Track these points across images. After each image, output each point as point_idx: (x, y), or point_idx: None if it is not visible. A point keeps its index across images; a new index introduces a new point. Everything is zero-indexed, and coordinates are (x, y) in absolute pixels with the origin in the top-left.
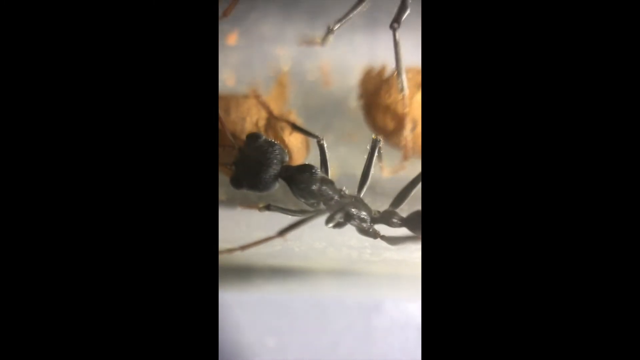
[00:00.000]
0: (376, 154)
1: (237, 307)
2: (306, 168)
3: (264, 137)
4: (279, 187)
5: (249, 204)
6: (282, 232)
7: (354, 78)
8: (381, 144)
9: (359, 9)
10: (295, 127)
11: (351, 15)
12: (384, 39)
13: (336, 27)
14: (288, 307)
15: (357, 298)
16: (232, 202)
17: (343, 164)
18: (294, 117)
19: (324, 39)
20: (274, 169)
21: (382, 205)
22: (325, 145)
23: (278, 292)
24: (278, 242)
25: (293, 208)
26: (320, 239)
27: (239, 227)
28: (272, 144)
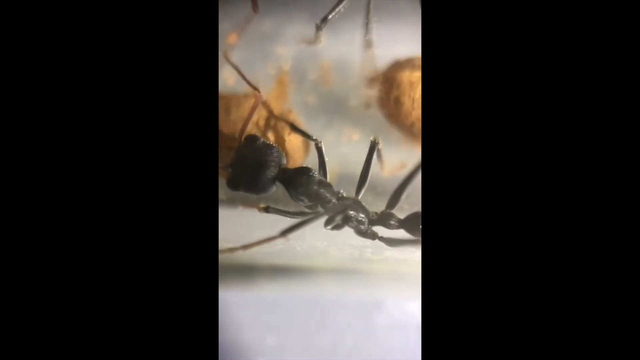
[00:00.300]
0: (375, 155)
1: (239, 305)
2: (304, 171)
3: (262, 140)
4: (279, 188)
5: (250, 204)
6: (285, 233)
7: (354, 77)
8: (380, 145)
9: (343, 4)
10: (294, 128)
11: (336, 12)
12: (386, 37)
13: (323, 24)
14: (289, 306)
15: (358, 297)
16: (233, 202)
17: (343, 162)
18: (294, 116)
19: (315, 38)
20: (272, 171)
21: (382, 205)
22: (323, 148)
23: (279, 291)
24: (280, 241)
25: (292, 210)
26: (322, 238)
27: (240, 226)
28: (270, 147)
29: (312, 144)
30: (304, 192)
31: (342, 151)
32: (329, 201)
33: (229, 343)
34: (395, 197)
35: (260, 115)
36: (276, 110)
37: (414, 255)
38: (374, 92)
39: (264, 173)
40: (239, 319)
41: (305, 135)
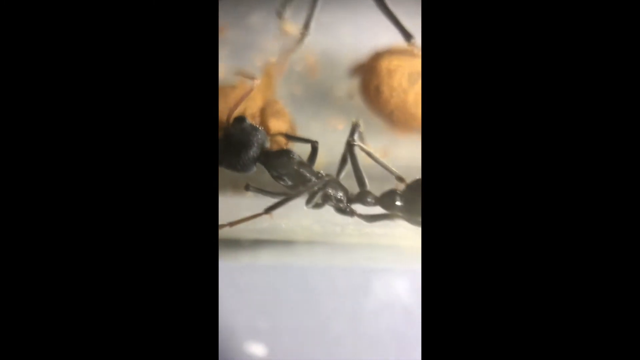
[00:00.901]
0: (357, 138)
1: (228, 289)
2: (284, 153)
3: (249, 122)
4: (265, 173)
5: (238, 187)
6: (268, 210)
7: (339, 68)
8: (361, 128)
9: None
10: (289, 137)
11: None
12: (368, 29)
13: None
14: (278, 290)
15: (346, 279)
16: (224, 188)
17: (329, 152)
18: (280, 107)
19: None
20: (254, 151)
21: (370, 188)
22: (318, 148)
23: (264, 265)
24: (265, 219)
25: (271, 190)
26: (307, 217)
27: (228, 208)
28: (255, 129)
29: (298, 129)
30: (285, 172)
31: (328, 141)
32: (309, 180)
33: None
34: (359, 180)
35: (247, 106)
36: (263, 100)
37: (393, 230)
38: (356, 83)
39: (246, 152)
40: (229, 303)
41: (302, 140)
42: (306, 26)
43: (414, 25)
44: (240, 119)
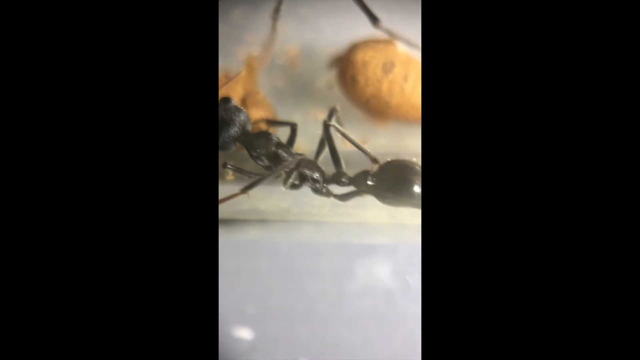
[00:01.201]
0: (334, 121)
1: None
2: (263, 134)
3: (234, 103)
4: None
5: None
6: (245, 189)
7: (319, 60)
8: (339, 113)
9: None
10: (270, 122)
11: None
12: (347, 22)
13: (276, 15)
14: (260, 272)
15: (330, 263)
16: None
17: (310, 141)
18: (262, 97)
19: (272, 29)
20: (235, 131)
21: (350, 172)
22: (297, 130)
23: (246, 250)
24: (244, 200)
25: (250, 170)
26: (285, 199)
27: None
28: (239, 109)
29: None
30: (264, 152)
31: (310, 130)
32: (286, 160)
33: None
34: (335, 160)
35: (227, 94)
36: (244, 90)
37: (366, 210)
38: (334, 74)
39: (227, 131)
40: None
41: (282, 124)
42: (276, 10)
43: (393, 21)
44: (226, 100)
